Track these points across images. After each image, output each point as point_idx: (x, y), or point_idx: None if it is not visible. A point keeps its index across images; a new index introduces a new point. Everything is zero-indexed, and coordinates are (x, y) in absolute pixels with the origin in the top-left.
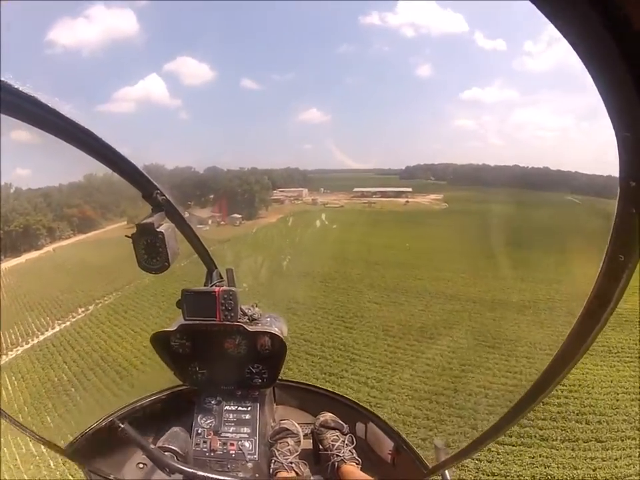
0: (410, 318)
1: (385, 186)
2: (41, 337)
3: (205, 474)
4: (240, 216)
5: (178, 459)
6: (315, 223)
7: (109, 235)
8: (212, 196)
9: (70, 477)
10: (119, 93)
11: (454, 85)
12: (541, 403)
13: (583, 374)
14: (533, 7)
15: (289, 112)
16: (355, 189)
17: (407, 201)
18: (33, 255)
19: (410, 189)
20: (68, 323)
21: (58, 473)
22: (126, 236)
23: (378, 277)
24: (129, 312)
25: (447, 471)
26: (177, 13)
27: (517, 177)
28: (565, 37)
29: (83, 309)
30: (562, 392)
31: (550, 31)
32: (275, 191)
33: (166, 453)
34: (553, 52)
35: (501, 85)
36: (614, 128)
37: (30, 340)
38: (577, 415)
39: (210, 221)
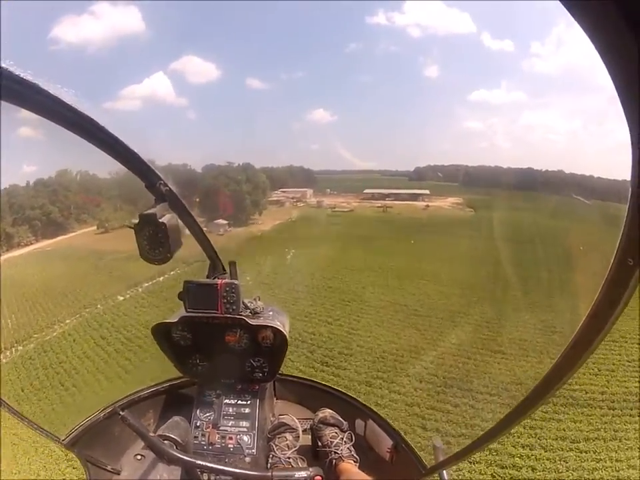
0: None
1: (394, 188)
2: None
3: (204, 463)
4: (225, 222)
5: (177, 448)
6: (319, 233)
7: (72, 242)
8: (197, 198)
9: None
10: (124, 90)
11: (461, 86)
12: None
13: None
14: (541, 7)
15: (295, 111)
16: (366, 191)
17: (427, 205)
18: None
19: (427, 192)
20: None
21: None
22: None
23: (424, 344)
24: None
25: (444, 471)
26: (182, 11)
27: (534, 180)
28: (592, 41)
29: None
30: None
31: (558, 32)
32: (276, 192)
33: (165, 442)
34: (561, 54)
35: (509, 86)
36: (630, 134)
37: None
38: None
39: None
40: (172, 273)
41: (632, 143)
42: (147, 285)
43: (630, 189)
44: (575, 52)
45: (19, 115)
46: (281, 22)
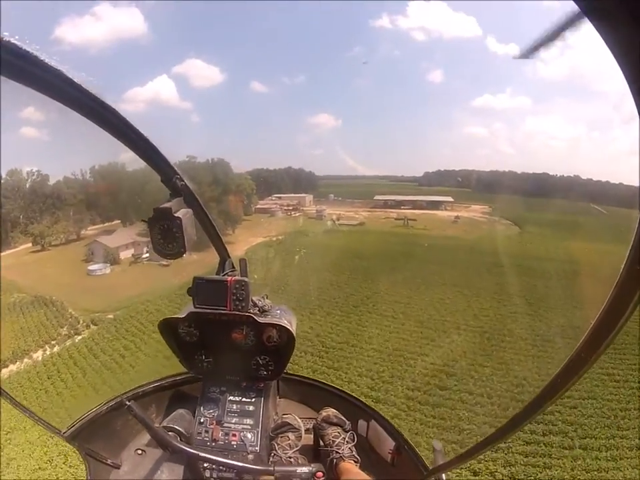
0: None
1: (406, 194)
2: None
3: (208, 455)
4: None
5: (181, 440)
6: (316, 266)
7: None
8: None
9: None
10: (128, 93)
11: (465, 91)
12: None
13: None
14: (546, 10)
15: (299, 116)
16: (376, 197)
17: (457, 217)
18: None
19: (450, 198)
20: None
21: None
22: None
23: None
24: None
25: (443, 474)
26: (184, 14)
27: (554, 185)
28: (605, 42)
29: None
30: None
31: (562, 37)
32: (271, 197)
33: (170, 433)
34: (566, 59)
35: (513, 92)
36: None
37: None
38: None
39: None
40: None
41: None
42: None
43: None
44: (579, 57)
45: (20, 115)
46: (284, 26)
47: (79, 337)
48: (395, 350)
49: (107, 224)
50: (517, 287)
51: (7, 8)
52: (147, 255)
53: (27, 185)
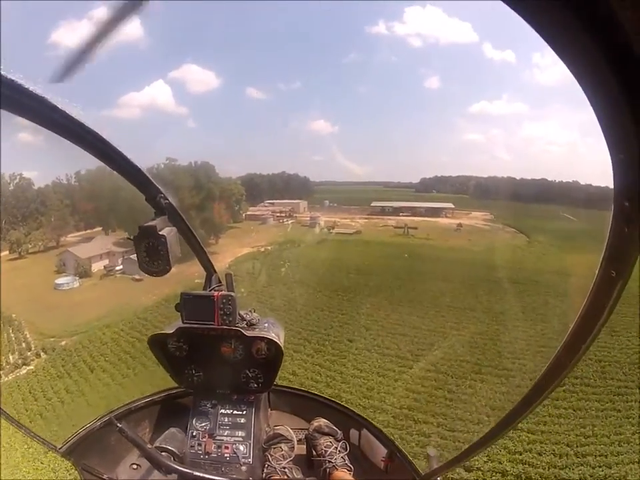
0: None
1: (403, 200)
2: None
3: (201, 474)
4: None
5: (174, 460)
6: (304, 284)
7: None
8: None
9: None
10: (124, 98)
11: (462, 98)
12: None
13: None
14: None
15: (295, 122)
16: (373, 204)
17: (460, 225)
18: None
19: (451, 205)
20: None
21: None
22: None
23: None
24: None
25: (438, 478)
26: (182, 20)
27: (553, 191)
28: (560, 57)
29: None
30: None
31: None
32: (263, 204)
33: (163, 453)
34: (560, 65)
35: (510, 98)
36: (609, 149)
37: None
38: None
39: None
40: None
41: (610, 154)
42: None
43: (612, 204)
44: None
45: (17, 120)
46: (280, 31)
47: (25, 369)
48: (403, 408)
49: (88, 231)
50: (542, 311)
51: (7, 9)
52: (121, 267)
53: (10, 189)
